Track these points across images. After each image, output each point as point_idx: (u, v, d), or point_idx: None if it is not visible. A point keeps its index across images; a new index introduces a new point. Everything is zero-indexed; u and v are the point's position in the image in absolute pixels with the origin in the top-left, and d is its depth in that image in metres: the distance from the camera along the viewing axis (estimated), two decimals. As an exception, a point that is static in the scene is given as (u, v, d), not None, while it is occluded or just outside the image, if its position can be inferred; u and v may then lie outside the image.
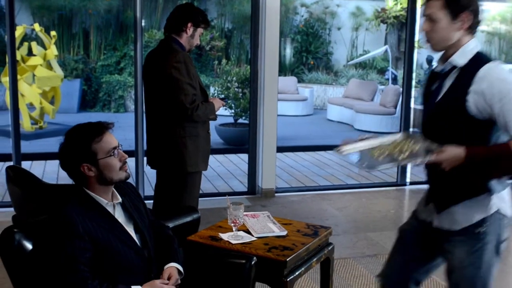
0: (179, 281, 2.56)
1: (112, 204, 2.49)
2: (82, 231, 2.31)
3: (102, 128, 2.47)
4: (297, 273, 2.84)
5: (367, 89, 13.70)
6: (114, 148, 2.45)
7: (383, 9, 16.50)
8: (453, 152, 2.28)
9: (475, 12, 2.36)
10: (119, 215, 2.51)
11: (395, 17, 16.21)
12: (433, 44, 2.42)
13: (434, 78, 2.52)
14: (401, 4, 15.86)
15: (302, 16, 16.96)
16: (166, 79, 3.85)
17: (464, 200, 2.41)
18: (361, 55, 16.68)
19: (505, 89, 2.23)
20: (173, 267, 2.56)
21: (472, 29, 2.39)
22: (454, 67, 2.39)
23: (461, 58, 2.36)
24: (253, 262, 2.67)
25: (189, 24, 3.95)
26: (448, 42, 2.38)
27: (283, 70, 15.99)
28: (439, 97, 2.41)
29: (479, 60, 2.34)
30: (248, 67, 6.73)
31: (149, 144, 4.19)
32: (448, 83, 2.39)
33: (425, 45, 2.48)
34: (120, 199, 2.53)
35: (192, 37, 3.99)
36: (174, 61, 3.84)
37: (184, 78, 3.82)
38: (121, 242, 2.41)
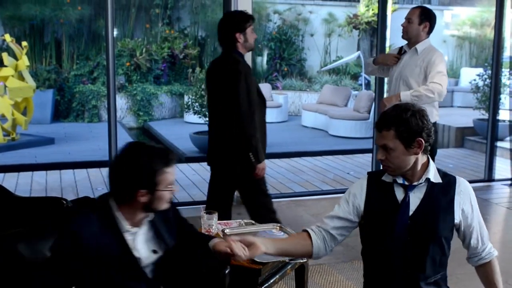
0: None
1: (133, 232, 2.38)
2: (85, 254, 2.22)
3: (172, 159, 2.35)
4: (271, 281, 2.84)
5: (340, 95, 13.77)
6: (173, 182, 2.36)
7: (355, 15, 16.64)
8: None
9: (428, 134, 2.37)
10: (140, 241, 2.41)
11: (367, 23, 16.35)
12: (391, 170, 2.42)
13: (390, 189, 2.46)
14: (372, 10, 16.00)
15: (275, 23, 17.02)
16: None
17: None
18: (334, 61, 16.79)
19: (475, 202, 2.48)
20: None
21: (426, 150, 2.42)
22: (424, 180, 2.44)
23: (434, 175, 2.44)
24: (227, 271, 2.67)
25: (237, 34, 4.06)
26: (406, 168, 2.40)
27: (258, 77, 16.01)
28: (412, 210, 2.41)
29: (447, 173, 2.49)
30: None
31: None
32: (418, 195, 2.43)
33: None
34: (144, 225, 2.42)
35: (246, 40, 4.11)
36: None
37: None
38: (124, 276, 2.32)
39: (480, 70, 10.74)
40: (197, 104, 9.98)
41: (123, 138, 11.47)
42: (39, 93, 12.35)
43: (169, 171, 2.31)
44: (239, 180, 4.27)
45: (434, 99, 4.37)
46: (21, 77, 10.38)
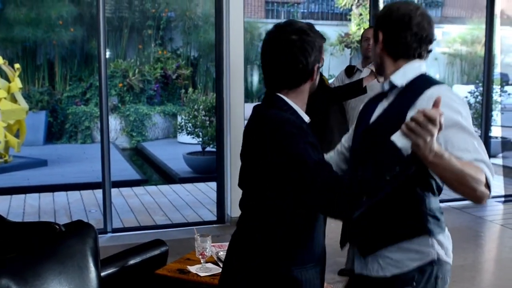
0: None
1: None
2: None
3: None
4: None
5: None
6: None
7: (347, 34, 16.79)
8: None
9: (390, 31, 2.04)
10: None
11: (359, 42, 16.47)
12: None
13: (370, 101, 2.23)
14: (364, 28, 16.11)
15: (267, 42, 17.12)
16: None
17: (397, 242, 2.04)
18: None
19: (452, 118, 1.88)
20: None
21: (393, 52, 2.06)
22: (392, 87, 2.07)
23: (400, 78, 2.04)
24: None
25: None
26: (377, 66, 2.14)
27: (250, 96, 16.06)
28: (372, 119, 2.10)
29: (426, 80, 2.03)
30: (215, 95, 6.73)
31: None
32: (384, 103, 2.09)
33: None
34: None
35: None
36: None
37: None
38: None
39: (471, 87, 10.81)
40: (190, 124, 9.98)
41: (116, 159, 11.48)
42: (31, 115, 12.35)
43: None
44: None
45: None
46: (13, 99, 10.38)
